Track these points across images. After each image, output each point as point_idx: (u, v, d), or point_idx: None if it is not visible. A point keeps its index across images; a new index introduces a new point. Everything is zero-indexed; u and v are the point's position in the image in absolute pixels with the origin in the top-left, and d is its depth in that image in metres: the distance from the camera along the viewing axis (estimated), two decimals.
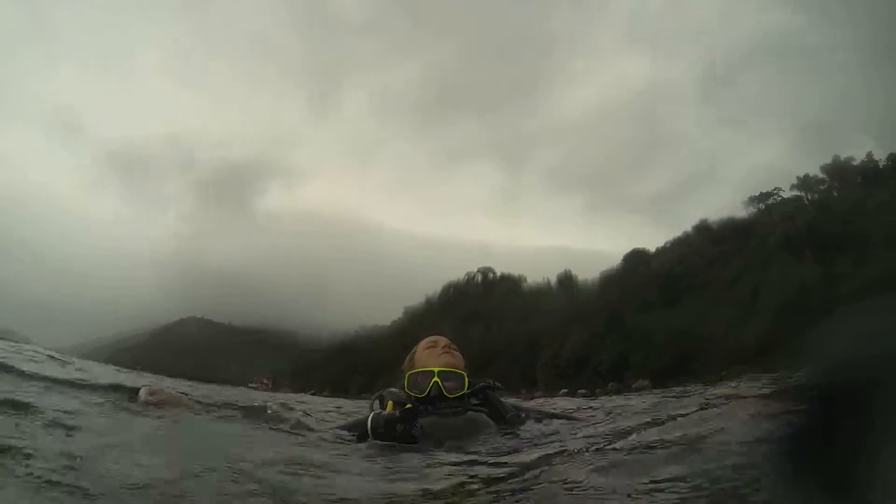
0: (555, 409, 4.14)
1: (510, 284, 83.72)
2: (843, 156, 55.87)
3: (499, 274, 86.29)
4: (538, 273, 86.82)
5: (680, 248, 71.05)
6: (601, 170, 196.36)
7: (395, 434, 2.59)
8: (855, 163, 54.17)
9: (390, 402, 2.99)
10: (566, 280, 77.50)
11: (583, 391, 51.26)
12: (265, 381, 75.66)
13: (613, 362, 56.90)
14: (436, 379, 2.93)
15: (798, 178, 58.61)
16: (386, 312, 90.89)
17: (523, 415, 3.05)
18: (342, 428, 3.02)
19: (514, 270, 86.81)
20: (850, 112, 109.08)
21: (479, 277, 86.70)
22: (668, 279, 65.64)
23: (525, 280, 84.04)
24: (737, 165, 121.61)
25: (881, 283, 40.08)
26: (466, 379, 2.99)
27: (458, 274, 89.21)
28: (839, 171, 53.96)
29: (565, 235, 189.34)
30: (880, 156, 53.95)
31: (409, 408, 2.73)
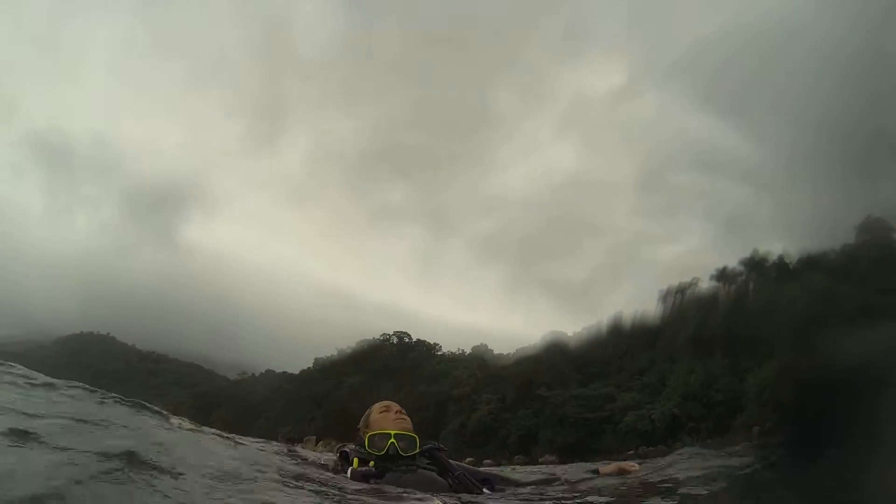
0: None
1: (424, 349, 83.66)
2: (761, 251, 60.06)
3: (415, 339, 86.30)
4: (454, 342, 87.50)
5: (594, 337, 73.48)
6: (524, 249, 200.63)
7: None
8: (770, 261, 57.99)
9: (356, 459, 3.41)
10: (483, 351, 78.15)
11: (489, 461, 51.34)
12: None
13: (522, 435, 57.27)
14: (392, 440, 3.38)
15: (717, 269, 61.69)
16: (296, 359, 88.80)
17: (467, 474, 3.47)
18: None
19: (431, 338, 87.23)
20: (766, 215, 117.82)
21: (395, 339, 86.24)
22: (583, 363, 67.79)
23: (440, 348, 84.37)
24: (657, 256, 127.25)
25: (782, 378, 43.21)
26: (418, 441, 3.47)
27: (373, 333, 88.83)
28: (756, 265, 57.73)
29: (483, 311, 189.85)
30: (791, 257, 58.82)
31: (374, 467, 3.29)
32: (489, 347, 79.41)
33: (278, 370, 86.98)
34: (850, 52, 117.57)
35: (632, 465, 4.28)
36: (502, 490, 3.53)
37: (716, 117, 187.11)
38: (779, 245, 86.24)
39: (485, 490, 3.39)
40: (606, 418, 53.66)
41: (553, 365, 66.97)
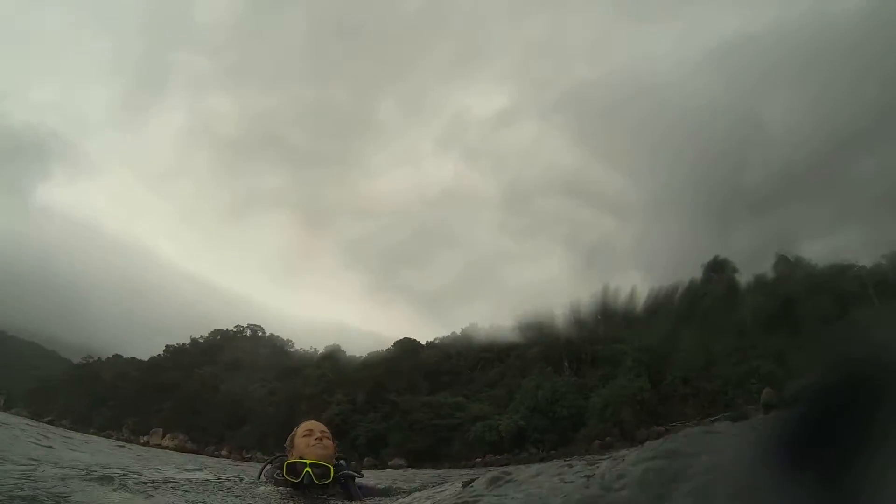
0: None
1: (278, 344, 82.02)
2: (612, 284, 65.22)
3: (268, 333, 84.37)
4: (309, 341, 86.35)
5: (448, 347, 76.01)
6: (390, 255, 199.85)
7: None
8: (620, 298, 63.13)
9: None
10: (335, 352, 77.87)
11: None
12: None
13: (371, 438, 57.46)
14: (307, 469, 3.62)
15: (571, 304, 65.53)
16: (146, 345, 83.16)
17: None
18: None
19: (286, 334, 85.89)
20: (625, 245, 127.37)
21: (249, 332, 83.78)
22: (434, 371, 69.82)
23: (293, 344, 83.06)
24: (516, 275, 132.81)
25: (622, 396, 47.72)
26: (331, 470, 3.70)
27: (228, 324, 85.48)
28: (604, 307, 62.73)
29: (344, 311, 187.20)
30: (643, 287, 64.48)
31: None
32: (342, 348, 79.52)
33: (126, 355, 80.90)
34: (727, 114, 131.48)
35: None
36: None
37: (590, 153, 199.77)
38: (635, 275, 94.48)
39: None
40: (455, 426, 55.30)
41: (403, 370, 68.28)
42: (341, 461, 3.96)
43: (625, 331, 55.58)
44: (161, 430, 59.07)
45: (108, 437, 50.71)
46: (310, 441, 3.89)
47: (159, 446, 51.43)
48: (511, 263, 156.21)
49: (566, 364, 56.94)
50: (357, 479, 3.86)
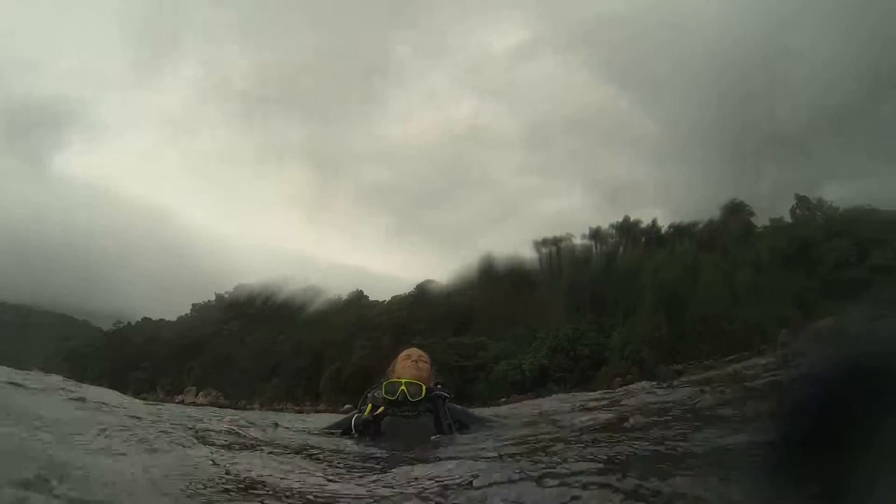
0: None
1: (303, 294, 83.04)
2: (633, 217, 64.73)
3: (291, 286, 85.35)
4: (334, 288, 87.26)
5: (468, 284, 76.18)
6: (412, 197, 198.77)
7: (368, 430, 3.75)
8: (642, 225, 62.81)
9: (369, 405, 3.99)
10: (358, 298, 78.68)
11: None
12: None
13: None
14: (402, 388, 3.87)
15: (591, 228, 66.13)
16: (173, 306, 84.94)
17: (456, 425, 3.99)
18: (331, 426, 4.22)
19: (310, 281, 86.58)
20: (646, 183, 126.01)
21: (274, 284, 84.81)
22: (455, 311, 70.42)
23: (318, 293, 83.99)
24: (537, 210, 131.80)
25: (641, 335, 47.95)
26: (424, 388, 3.91)
27: (251, 278, 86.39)
28: (627, 229, 62.29)
29: (366, 255, 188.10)
30: (664, 223, 63.85)
31: (378, 413, 3.84)
32: (365, 293, 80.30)
33: (155, 317, 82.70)
34: (758, 51, 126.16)
35: None
36: (475, 432, 4.07)
37: (612, 88, 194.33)
38: (655, 212, 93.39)
39: (455, 433, 3.94)
40: (480, 366, 56.27)
41: (427, 312, 68.97)
42: (439, 385, 4.23)
43: (645, 260, 55.20)
44: (194, 388, 60.87)
45: (145, 399, 52.33)
46: (407, 364, 4.22)
47: (194, 404, 53.02)
48: (532, 199, 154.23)
49: (588, 303, 56.97)
50: (448, 403, 4.08)
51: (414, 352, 4.43)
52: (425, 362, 4.33)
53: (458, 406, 4.25)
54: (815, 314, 36.32)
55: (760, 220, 56.95)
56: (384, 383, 4.01)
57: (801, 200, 56.79)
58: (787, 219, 56.35)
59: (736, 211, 56.93)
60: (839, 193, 60.46)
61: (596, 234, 64.13)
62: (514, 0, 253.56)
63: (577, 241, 66.39)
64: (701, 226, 57.87)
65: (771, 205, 59.95)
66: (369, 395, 4.11)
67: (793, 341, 31.91)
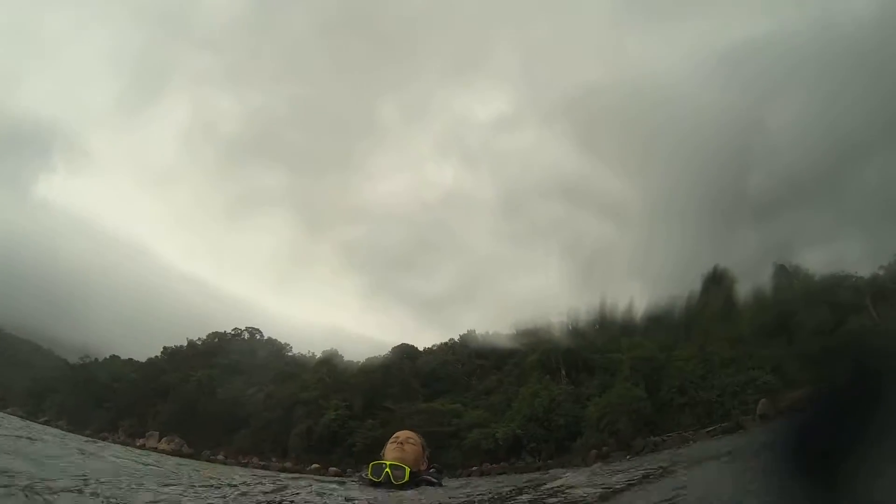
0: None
1: (276, 347, 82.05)
2: (610, 297, 65.77)
3: (266, 336, 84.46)
4: (308, 344, 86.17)
5: (445, 354, 75.98)
6: (388, 259, 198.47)
7: None
8: (619, 310, 63.65)
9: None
10: (332, 357, 77.74)
11: (334, 469, 51.49)
12: None
13: (368, 445, 57.41)
14: (387, 470, 4.01)
15: (568, 314, 67.07)
16: (143, 347, 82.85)
17: None
18: None
19: (284, 337, 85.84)
20: (623, 253, 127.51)
21: (246, 335, 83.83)
22: (431, 377, 69.89)
23: (290, 348, 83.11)
24: (512, 285, 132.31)
25: (618, 406, 47.90)
26: (408, 472, 4.03)
27: (225, 326, 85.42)
28: (603, 316, 63.26)
29: (341, 314, 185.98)
30: (642, 298, 64.88)
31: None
32: (339, 353, 79.38)
33: (124, 356, 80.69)
34: (732, 121, 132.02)
35: None
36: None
37: (592, 159, 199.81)
38: (633, 286, 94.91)
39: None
40: (452, 434, 55.35)
41: (401, 377, 68.30)
42: (433, 468, 4.46)
43: (623, 340, 55.89)
44: (157, 433, 58.97)
45: (104, 439, 50.68)
46: (392, 446, 4.38)
47: (155, 449, 51.36)
48: (509, 270, 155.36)
49: (563, 373, 56.94)
50: (434, 484, 4.16)
51: (402, 434, 4.57)
52: (413, 444, 4.43)
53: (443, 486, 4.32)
54: (793, 384, 36.87)
55: (744, 286, 57.73)
56: (371, 465, 4.17)
57: (779, 269, 58.09)
58: (767, 286, 57.26)
59: (718, 280, 57.87)
60: (813, 256, 62.69)
61: (574, 319, 65.25)
62: (498, 70, 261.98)
63: (555, 319, 67.09)
64: (680, 305, 58.85)
65: (751, 270, 61.44)
66: (356, 479, 4.39)
67: (771, 410, 32.24)
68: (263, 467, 51.27)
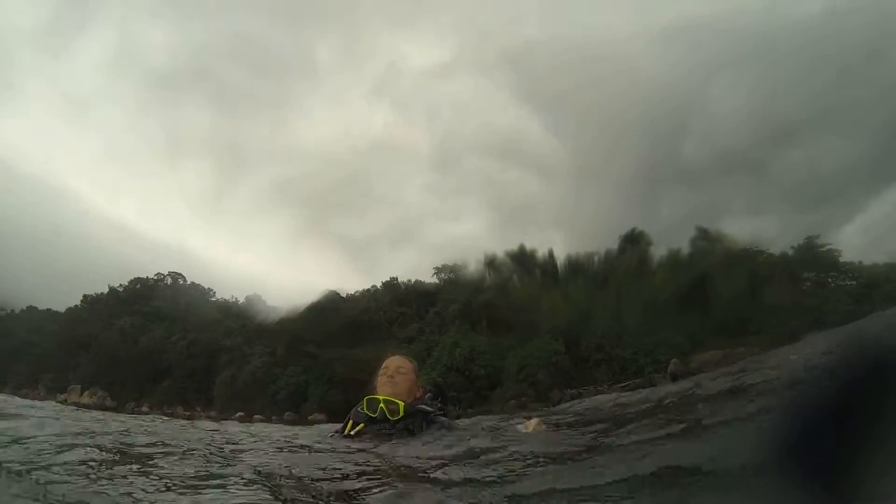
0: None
1: (199, 294, 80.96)
2: (529, 246, 65.46)
3: (189, 281, 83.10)
4: (230, 289, 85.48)
5: (368, 301, 77.30)
6: (317, 203, 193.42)
7: None
8: (538, 255, 64.00)
9: (350, 422, 4.08)
10: (255, 302, 77.38)
11: (259, 417, 52.24)
12: None
13: (292, 392, 58.14)
14: (381, 405, 3.94)
15: (486, 255, 66.54)
16: (63, 296, 79.72)
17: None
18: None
19: (208, 282, 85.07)
20: (547, 206, 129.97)
21: (169, 280, 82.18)
22: (354, 324, 70.87)
23: (214, 293, 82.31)
24: (438, 232, 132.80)
25: (537, 358, 50.55)
26: (401, 406, 3.95)
27: (148, 272, 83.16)
28: (523, 261, 63.79)
29: (268, 257, 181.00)
30: (561, 250, 66.38)
31: (357, 430, 3.97)
32: (263, 298, 79.24)
33: (42, 307, 77.55)
34: (672, 90, 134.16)
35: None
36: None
37: (527, 114, 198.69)
38: (554, 235, 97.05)
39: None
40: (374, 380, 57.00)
41: (325, 324, 68.99)
42: (429, 394, 4.37)
43: (542, 296, 57.41)
44: (79, 386, 57.98)
45: (24, 396, 49.77)
46: (383, 380, 4.27)
47: (77, 404, 50.78)
48: (436, 219, 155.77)
49: (484, 324, 58.93)
50: (433, 416, 4.07)
51: (391, 363, 4.40)
52: (404, 374, 4.30)
53: (446, 419, 4.17)
54: (704, 347, 40.18)
55: (659, 251, 58.05)
56: (365, 399, 4.08)
57: (701, 232, 57.23)
58: (686, 248, 56.90)
59: (635, 241, 58.45)
60: (735, 227, 65.59)
61: (491, 263, 65.19)
62: (439, 17, 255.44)
63: (472, 267, 67.75)
64: (598, 258, 60.05)
65: (671, 236, 64.21)
66: (352, 413, 4.15)
67: (681, 370, 35.07)
68: (188, 417, 51.59)
